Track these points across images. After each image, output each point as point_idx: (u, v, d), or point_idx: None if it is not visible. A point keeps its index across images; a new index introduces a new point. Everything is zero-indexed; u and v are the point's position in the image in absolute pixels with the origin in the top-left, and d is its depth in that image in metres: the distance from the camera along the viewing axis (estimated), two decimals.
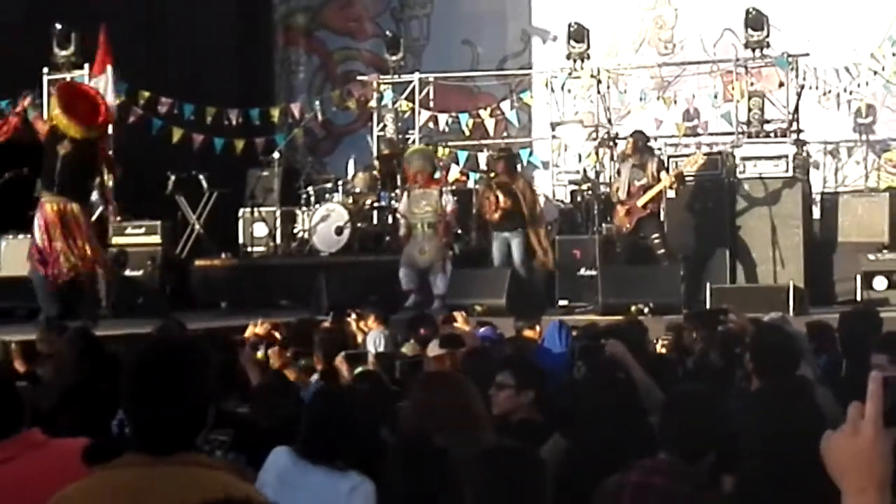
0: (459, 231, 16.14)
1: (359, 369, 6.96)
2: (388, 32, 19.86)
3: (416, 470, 3.58)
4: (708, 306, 12.50)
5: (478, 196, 15.95)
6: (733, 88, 16.75)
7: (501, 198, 14.32)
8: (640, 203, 14.02)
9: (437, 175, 15.21)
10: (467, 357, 6.78)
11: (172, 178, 17.05)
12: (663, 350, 8.34)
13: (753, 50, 16.10)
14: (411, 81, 18.60)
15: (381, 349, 8.89)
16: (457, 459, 3.69)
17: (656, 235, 14.11)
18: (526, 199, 14.42)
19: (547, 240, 14.69)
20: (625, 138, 15.43)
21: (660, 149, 16.31)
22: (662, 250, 14.08)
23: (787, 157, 14.75)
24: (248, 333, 8.71)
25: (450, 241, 14.77)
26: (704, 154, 15.19)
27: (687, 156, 15.17)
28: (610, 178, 15.82)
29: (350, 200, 16.70)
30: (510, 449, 3.77)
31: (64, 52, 16.84)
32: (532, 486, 3.58)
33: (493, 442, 4.39)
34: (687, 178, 14.49)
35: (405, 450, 3.79)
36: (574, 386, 6.14)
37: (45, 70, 16.90)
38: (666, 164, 14.67)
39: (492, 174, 15.20)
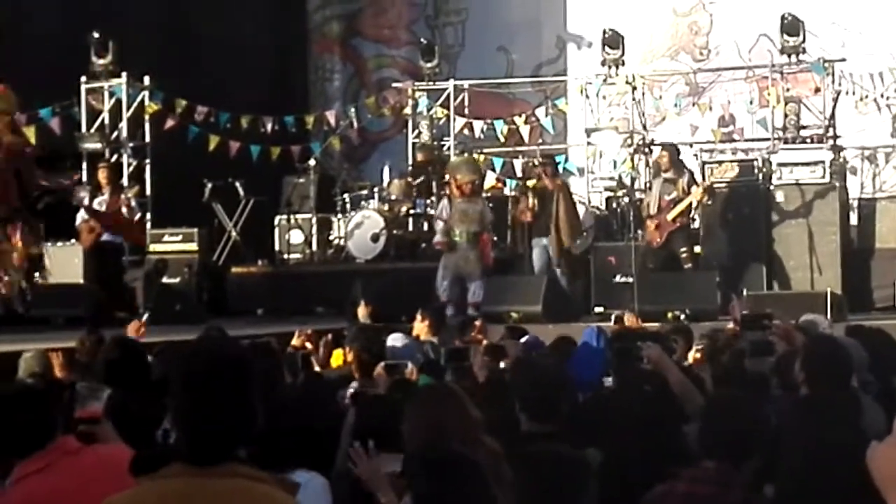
0: (495, 238, 16.12)
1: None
2: (422, 39, 19.89)
3: (443, 477, 3.58)
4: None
5: (513, 202, 15.96)
6: (769, 94, 16.68)
7: (535, 202, 14.32)
8: (669, 217, 14.02)
9: (483, 184, 15.19)
10: (516, 367, 6.75)
11: (209, 185, 17.15)
12: (698, 356, 8.27)
13: (789, 55, 16.05)
14: (446, 88, 18.63)
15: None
16: (479, 464, 3.69)
17: (684, 249, 14.12)
18: (562, 204, 14.37)
19: (570, 253, 14.54)
20: (658, 146, 15.40)
21: (695, 155, 16.27)
22: (689, 265, 14.09)
23: (823, 162, 14.65)
24: (295, 341, 8.76)
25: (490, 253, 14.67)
26: (739, 161, 15.13)
27: (721, 163, 15.11)
28: (645, 185, 15.78)
29: (386, 207, 16.72)
30: (559, 452, 3.78)
31: (102, 61, 16.99)
32: (579, 489, 3.60)
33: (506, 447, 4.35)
34: (716, 189, 14.44)
35: (427, 460, 3.78)
36: (604, 398, 6.08)
37: (84, 79, 17.07)
38: (696, 178, 14.60)
39: (529, 180, 15.18)
